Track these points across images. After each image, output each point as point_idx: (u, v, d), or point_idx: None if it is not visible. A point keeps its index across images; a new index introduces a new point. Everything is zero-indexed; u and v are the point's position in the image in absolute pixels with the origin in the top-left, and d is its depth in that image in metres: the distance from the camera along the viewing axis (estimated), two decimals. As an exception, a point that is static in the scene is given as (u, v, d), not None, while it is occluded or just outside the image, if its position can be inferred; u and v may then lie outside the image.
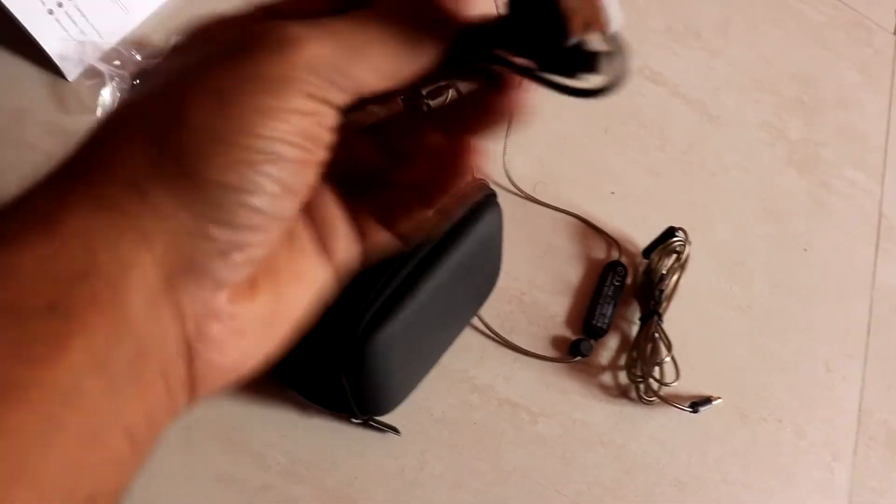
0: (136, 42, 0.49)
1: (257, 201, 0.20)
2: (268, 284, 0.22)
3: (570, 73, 0.21)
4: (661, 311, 0.52)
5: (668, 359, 0.51)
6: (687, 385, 0.53)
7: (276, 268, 0.23)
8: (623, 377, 0.52)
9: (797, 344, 0.59)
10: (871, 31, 0.74)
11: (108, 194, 0.19)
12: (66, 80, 0.47)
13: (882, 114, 0.70)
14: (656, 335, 0.51)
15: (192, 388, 0.20)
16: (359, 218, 0.25)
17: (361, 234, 0.25)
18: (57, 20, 0.46)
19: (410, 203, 0.25)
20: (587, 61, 0.20)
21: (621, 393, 0.52)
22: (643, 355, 0.51)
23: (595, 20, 0.20)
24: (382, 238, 0.25)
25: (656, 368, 0.51)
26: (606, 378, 0.52)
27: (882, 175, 0.68)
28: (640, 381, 0.51)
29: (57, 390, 0.17)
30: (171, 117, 0.19)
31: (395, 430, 0.45)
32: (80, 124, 0.46)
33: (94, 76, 0.47)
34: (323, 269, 0.24)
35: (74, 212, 0.18)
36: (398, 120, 0.25)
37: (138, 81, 0.22)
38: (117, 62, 0.47)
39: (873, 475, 0.58)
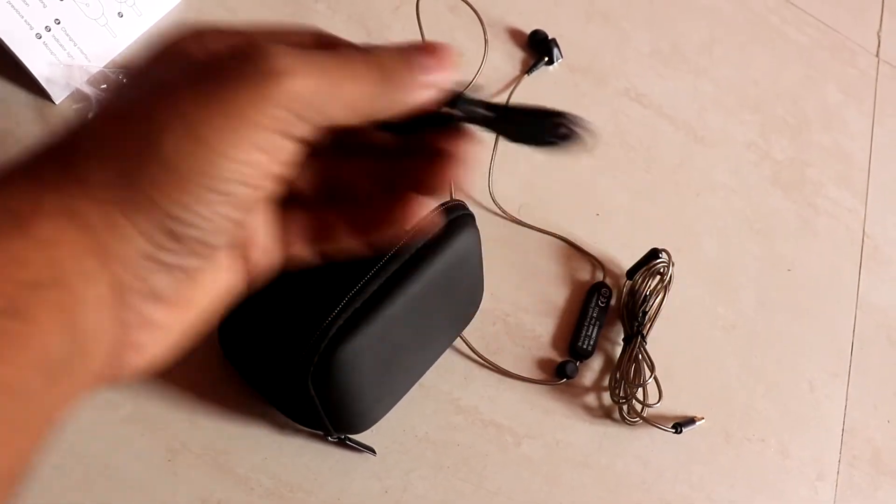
0: (123, 65, 0.49)
1: (208, 237, 0.21)
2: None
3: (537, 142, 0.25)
4: (644, 332, 0.52)
5: (651, 380, 0.51)
6: (672, 405, 0.54)
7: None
8: (607, 398, 0.52)
9: (781, 363, 0.59)
10: (854, 52, 0.74)
11: (79, 209, 0.20)
12: (53, 103, 0.47)
13: (865, 134, 0.71)
14: (640, 356, 0.51)
15: (109, 380, 0.22)
16: (295, 227, 0.26)
17: (289, 241, 0.26)
18: (45, 44, 0.46)
19: (377, 218, 0.26)
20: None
21: (605, 414, 0.52)
22: (626, 377, 0.51)
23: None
24: (340, 244, 0.27)
25: (640, 390, 0.51)
26: (590, 399, 0.52)
27: (865, 194, 0.68)
28: (624, 403, 0.51)
29: (3, 384, 0.18)
30: (144, 147, 0.20)
31: (371, 450, 0.45)
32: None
33: (80, 100, 0.47)
34: (234, 273, 0.26)
35: (47, 219, 0.19)
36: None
37: (122, 80, 0.23)
38: (104, 85, 0.47)
39: (858, 493, 0.58)
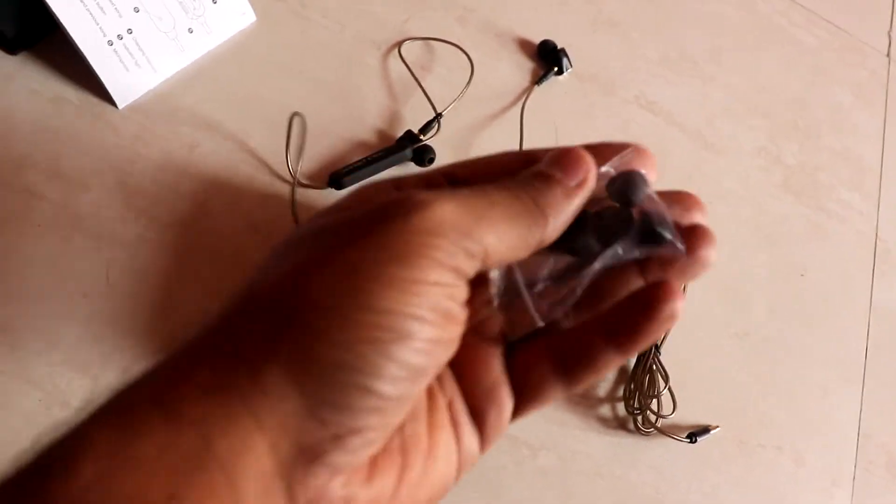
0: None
1: (377, 384, 0.19)
2: (392, 461, 0.21)
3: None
4: (658, 342, 0.53)
5: (665, 391, 0.51)
6: (686, 414, 0.54)
7: (405, 443, 0.22)
8: (621, 409, 0.53)
9: (795, 370, 0.59)
10: (864, 53, 0.74)
11: (223, 379, 0.18)
12: (116, 107, 0.50)
13: (877, 136, 0.71)
14: (654, 367, 0.52)
15: None
16: (535, 365, 0.25)
17: (536, 383, 0.25)
18: (115, 51, 0.48)
19: (596, 347, 0.24)
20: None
21: (619, 425, 0.52)
22: (641, 388, 0.51)
23: None
24: (551, 390, 0.25)
25: (654, 400, 0.51)
26: (605, 410, 0.53)
27: (878, 197, 0.68)
28: (638, 414, 0.51)
29: None
30: (294, 295, 0.19)
31: None
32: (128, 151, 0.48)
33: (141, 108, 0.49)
34: (454, 448, 0.24)
35: (191, 397, 0.18)
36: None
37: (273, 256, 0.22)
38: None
39: (874, 499, 0.58)
